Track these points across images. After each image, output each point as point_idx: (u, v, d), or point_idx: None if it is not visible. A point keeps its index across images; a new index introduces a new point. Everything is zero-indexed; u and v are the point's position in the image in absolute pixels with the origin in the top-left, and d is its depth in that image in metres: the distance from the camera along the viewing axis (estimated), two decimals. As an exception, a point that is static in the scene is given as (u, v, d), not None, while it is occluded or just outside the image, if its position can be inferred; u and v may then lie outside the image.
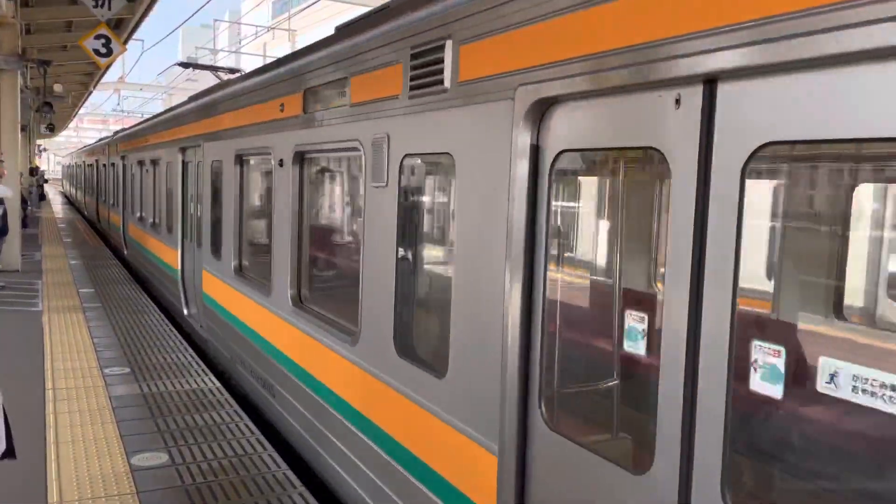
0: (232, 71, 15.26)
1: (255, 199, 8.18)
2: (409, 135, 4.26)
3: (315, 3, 32.35)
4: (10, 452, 2.58)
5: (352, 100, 5.01)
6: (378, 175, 4.60)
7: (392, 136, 4.43)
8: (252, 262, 8.05)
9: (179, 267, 11.27)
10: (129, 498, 4.94)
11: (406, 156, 4.33)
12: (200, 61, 52.01)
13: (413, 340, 4.54)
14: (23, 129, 20.88)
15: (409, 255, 4.52)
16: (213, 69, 15.77)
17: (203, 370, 8.14)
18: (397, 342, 4.47)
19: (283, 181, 6.42)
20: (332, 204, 6.70)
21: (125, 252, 18.26)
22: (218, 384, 7.63)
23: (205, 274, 9.42)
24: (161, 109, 28.31)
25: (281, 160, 6.42)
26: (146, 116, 24.68)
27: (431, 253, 4.60)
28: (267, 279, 6.93)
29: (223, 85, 9.22)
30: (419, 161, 4.45)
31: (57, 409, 6.66)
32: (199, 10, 22.91)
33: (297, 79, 6.12)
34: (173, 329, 10.20)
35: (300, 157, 6.21)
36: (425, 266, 4.60)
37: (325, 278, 6.62)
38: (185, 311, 10.92)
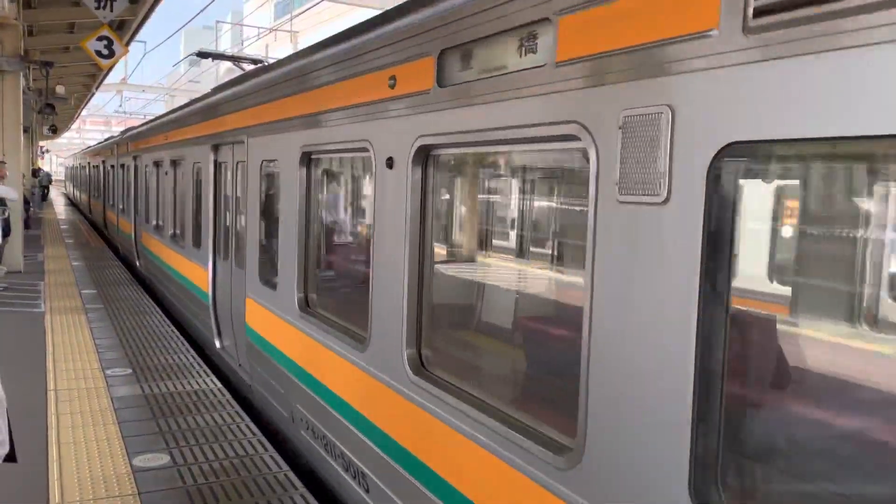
0: (255, 62, 13.64)
1: (336, 213, 6.32)
2: (750, 104, 2.21)
3: (317, 4, 32.41)
4: (11, 457, 2.57)
5: (559, 55, 3.00)
6: (639, 182, 2.59)
7: (684, 111, 2.41)
8: (330, 299, 6.15)
9: (211, 291, 9.18)
10: (130, 499, 4.95)
11: (729, 146, 2.29)
12: (203, 62, 52.14)
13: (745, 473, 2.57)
14: (25, 131, 20.90)
15: (719, 319, 2.44)
16: (234, 59, 15.04)
17: (205, 371, 8.15)
18: (700, 483, 2.43)
19: (392, 189, 4.44)
20: (492, 223, 4.61)
21: (137, 263, 16.29)
22: (219, 385, 7.64)
23: (250, 304, 7.35)
24: (164, 111, 28.00)
25: (390, 159, 4.43)
26: (150, 116, 23.71)
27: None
28: (361, 327, 4.90)
29: (277, 64, 7.12)
30: (759, 156, 2.40)
31: (59, 410, 6.68)
32: (201, 11, 22.97)
33: (425, 36, 4.06)
34: (175, 330, 10.21)
35: (426, 155, 4.20)
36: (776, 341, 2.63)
37: (474, 336, 4.60)
38: (218, 344, 8.97)
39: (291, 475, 5.44)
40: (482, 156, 4.27)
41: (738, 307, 2.49)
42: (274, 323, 6.62)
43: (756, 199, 2.56)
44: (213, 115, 9.16)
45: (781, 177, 2.58)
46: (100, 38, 13.32)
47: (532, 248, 4.32)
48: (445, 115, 3.88)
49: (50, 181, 50.34)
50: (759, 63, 2.20)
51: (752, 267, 2.61)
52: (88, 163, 33.31)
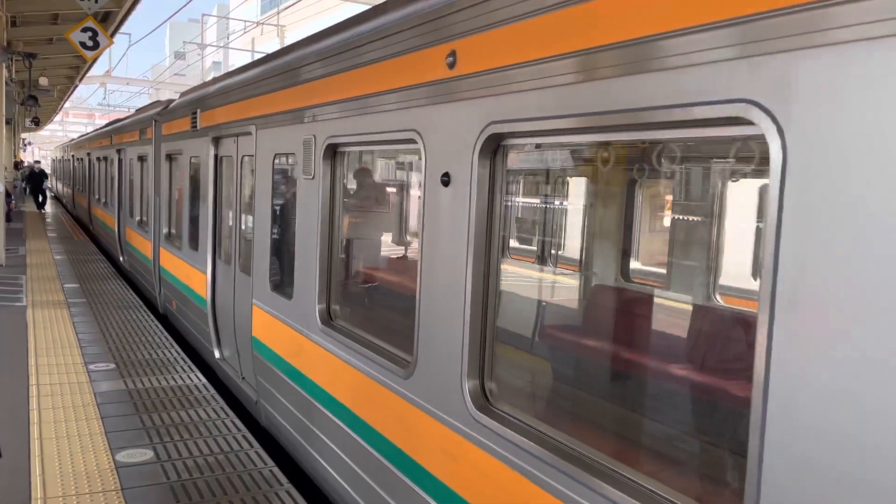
0: None
1: None
2: None
3: (304, -2, 32.32)
4: None
5: None
6: None
7: None
8: None
9: None
10: (113, 494, 4.92)
11: None
12: (188, 56, 51.76)
13: None
14: (7, 123, 20.65)
15: None
16: None
17: (189, 366, 8.09)
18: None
19: None
20: None
21: (240, 376, 7.44)
22: (204, 380, 7.60)
23: None
24: (148, 102, 26.44)
25: None
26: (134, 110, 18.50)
27: None
28: None
29: None
30: None
31: (41, 405, 6.61)
32: (186, 4, 22.79)
33: None
34: (158, 324, 10.13)
35: None
36: None
37: None
38: None
39: (276, 471, 5.42)
40: None
41: None
42: None
43: None
44: None
45: None
46: (84, 30, 13.15)
47: None
48: None
49: (44, 178, 35.33)
50: None
51: None
52: (88, 154, 23.51)
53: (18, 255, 16.21)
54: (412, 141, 3.91)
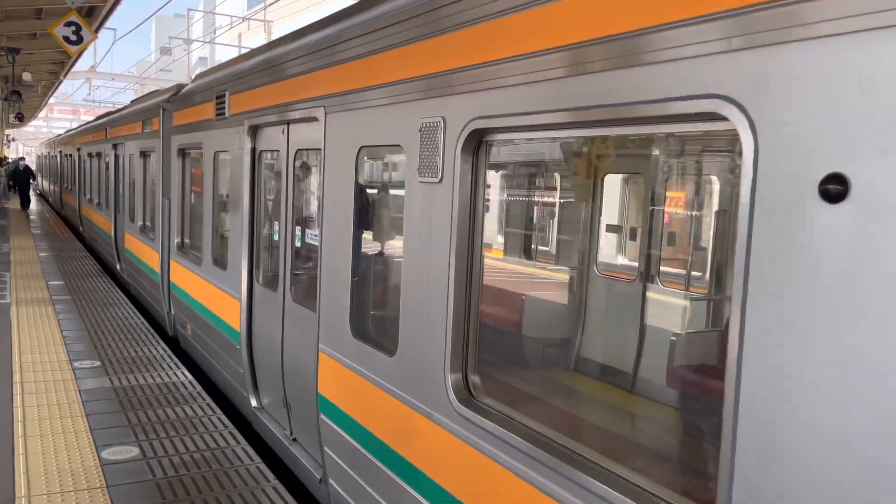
0: None
1: None
2: None
3: (291, -6, 32.14)
4: None
5: None
6: None
7: None
8: None
9: None
10: (98, 492, 4.89)
11: None
12: (174, 51, 51.40)
13: None
14: (-10, 118, 20.42)
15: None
16: None
17: (175, 363, 8.06)
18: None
19: None
20: None
21: (289, 437, 5.94)
22: (190, 377, 7.57)
23: None
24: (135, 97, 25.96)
25: None
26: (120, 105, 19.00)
27: None
28: None
29: None
30: None
31: (25, 402, 6.56)
32: (172, -1, 22.59)
33: None
34: (144, 322, 10.07)
35: None
36: None
37: None
38: None
39: (263, 467, 5.40)
40: None
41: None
42: None
43: None
44: None
45: None
46: (68, 24, 13.04)
47: None
48: None
49: (30, 176, 32.42)
50: None
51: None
52: (79, 151, 20.59)
53: (2, 253, 16.07)
54: (708, 117, 2.21)
